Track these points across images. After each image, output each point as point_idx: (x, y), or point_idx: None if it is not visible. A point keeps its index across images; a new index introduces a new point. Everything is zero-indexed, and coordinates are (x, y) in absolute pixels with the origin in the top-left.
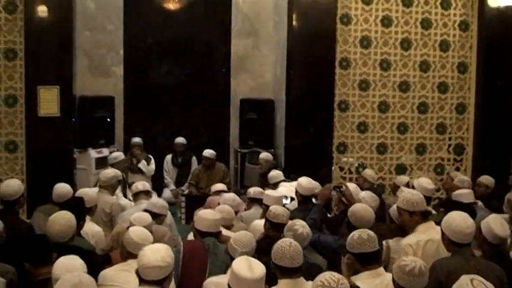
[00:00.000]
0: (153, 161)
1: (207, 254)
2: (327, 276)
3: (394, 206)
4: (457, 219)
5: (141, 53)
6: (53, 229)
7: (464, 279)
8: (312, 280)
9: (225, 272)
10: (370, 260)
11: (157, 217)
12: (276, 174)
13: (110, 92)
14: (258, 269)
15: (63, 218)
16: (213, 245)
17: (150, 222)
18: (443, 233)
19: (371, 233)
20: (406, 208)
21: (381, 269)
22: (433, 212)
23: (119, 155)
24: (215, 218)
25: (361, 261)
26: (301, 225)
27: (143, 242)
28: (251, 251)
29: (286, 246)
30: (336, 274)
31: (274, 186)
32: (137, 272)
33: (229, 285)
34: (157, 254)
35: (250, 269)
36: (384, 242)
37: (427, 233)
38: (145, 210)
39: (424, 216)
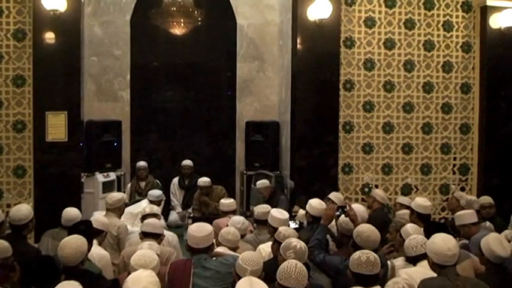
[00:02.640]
0: (159, 192)
1: (190, 266)
2: None
3: (407, 226)
4: (438, 242)
5: (147, 78)
6: (64, 253)
7: None
8: None
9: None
10: (365, 282)
11: (157, 237)
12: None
13: (117, 117)
14: None
15: (74, 243)
16: (198, 260)
17: (155, 265)
18: (427, 256)
19: (372, 256)
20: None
21: None
22: None
23: (160, 194)
24: (201, 236)
25: (357, 281)
26: (296, 241)
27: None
28: (260, 269)
29: (292, 267)
30: None
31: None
32: None
33: None
34: (138, 285)
35: None
36: (388, 262)
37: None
38: (143, 232)
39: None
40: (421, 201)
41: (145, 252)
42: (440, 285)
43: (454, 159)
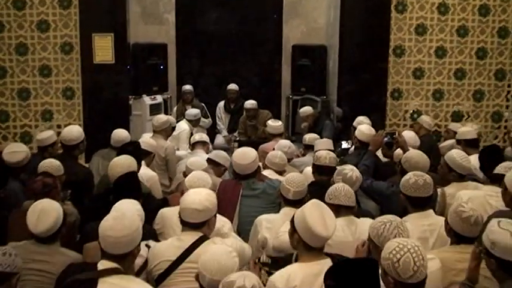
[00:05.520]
0: (206, 111)
1: (240, 187)
2: (389, 216)
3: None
4: None
5: (193, 0)
6: (115, 172)
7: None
8: None
9: (272, 208)
10: (422, 204)
11: (216, 166)
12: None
13: (163, 39)
14: (332, 225)
15: (124, 162)
16: (246, 183)
17: (206, 167)
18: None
19: (428, 178)
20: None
21: (431, 211)
22: None
23: (197, 112)
24: (246, 163)
25: (413, 204)
26: (350, 169)
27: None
28: (304, 190)
29: (340, 187)
30: (396, 216)
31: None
32: (179, 213)
33: (296, 231)
34: (196, 197)
35: (325, 227)
36: (439, 190)
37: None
38: (208, 159)
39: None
40: (462, 129)
41: (200, 174)
42: None
43: (509, 85)
